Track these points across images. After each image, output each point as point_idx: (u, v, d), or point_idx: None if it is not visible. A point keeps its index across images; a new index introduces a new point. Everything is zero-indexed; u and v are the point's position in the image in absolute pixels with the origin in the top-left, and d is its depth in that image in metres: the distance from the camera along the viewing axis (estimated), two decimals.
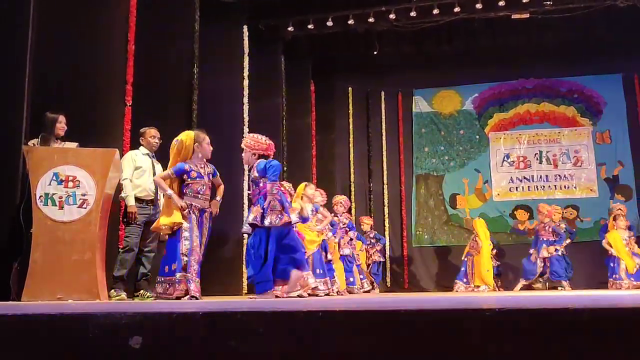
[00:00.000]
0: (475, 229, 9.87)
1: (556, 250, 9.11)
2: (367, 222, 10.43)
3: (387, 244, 11.39)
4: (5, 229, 4.36)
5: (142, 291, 5.44)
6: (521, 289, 9.26)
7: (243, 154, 5.35)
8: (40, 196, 4.17)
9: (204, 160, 4.95)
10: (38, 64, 4.66)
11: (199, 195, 4.81)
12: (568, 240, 9.37)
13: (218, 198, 4.99)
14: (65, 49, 5.31)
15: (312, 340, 1.42)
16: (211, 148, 5.01)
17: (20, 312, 1.60)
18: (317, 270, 6.51)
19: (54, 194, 4.19)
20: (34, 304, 3.33)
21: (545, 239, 9.24)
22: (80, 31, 5.50)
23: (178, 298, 4.55)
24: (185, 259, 4.59)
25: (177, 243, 4.67)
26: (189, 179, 4.79)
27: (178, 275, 4.62)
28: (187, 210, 4.70)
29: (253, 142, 5.27)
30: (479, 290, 9.39)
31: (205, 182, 4.85)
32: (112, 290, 5.15)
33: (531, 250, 9.39)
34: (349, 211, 9.78)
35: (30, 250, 4.13)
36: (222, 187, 5.08)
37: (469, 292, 9.20)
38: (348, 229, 9.02)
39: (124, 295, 5.24)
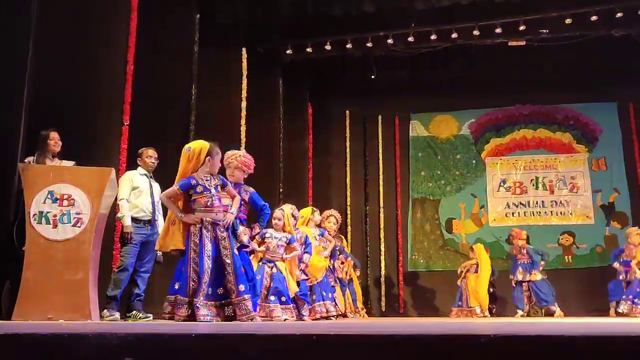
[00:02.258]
0: (477, 255, 9.76)
1: (541, 273, 9.12)
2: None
3: (383, 267, 11.35)
4: None
5: (134, 312, 5.39)
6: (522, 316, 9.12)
7: (234, 170, 5.06)
8: (35, 214, 4.14)
9: (210, 173, 4.60)
10: (36, 81, 4.67)
11: (210, 208, 4.48)
12: (542, 262, 9.32)
13: (232, 209, 4.59)
14: (64, 69, 5.34)
15: None
16: (220, 165, 4.73)
17: (10, 331, 1.59)
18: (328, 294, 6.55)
19: (48, 212, 4.16)
20: (25, 324, 3.30)
21: (521, 262, 9.22)
22: (79, 51, 5.54)
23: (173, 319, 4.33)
24: (193, 284, 4.22)
25: (185, 265, 4.32)
26: (195, 194, 4.48)
27: (180, 297, 4.26)
28: (199, 226, 4.38)
29: (249, 161, 5.23)
30: (473, 310, 9.32)
31: (213, 194, 4.51)
32: (105, 310, 5.10)
33: (511, 276, 9.32)
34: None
35: (22, 268, 4.10)
36: (237, 198, 4.71)
37: (464, 317, 9.12)
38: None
39: (117, 315, 5.19)
